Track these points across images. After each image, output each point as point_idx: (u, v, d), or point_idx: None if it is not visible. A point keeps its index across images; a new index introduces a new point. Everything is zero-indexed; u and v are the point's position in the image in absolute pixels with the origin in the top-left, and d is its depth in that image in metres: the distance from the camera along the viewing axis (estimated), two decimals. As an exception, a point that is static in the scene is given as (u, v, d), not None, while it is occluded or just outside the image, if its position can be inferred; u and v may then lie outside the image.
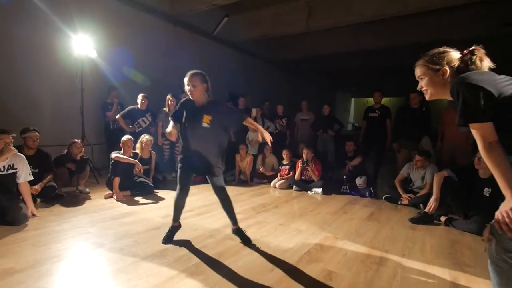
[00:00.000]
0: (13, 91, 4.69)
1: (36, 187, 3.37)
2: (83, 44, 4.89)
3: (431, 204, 3.17)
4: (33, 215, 3.04)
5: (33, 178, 3.20)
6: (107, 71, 5.72)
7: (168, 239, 2.50)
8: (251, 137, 5.94)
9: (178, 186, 2.48)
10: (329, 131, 6.07)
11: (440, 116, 4.73)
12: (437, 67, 1.34)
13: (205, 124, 2.31)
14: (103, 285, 1.81)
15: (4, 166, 2.92)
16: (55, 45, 5.06)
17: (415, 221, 3.24)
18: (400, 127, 4.80)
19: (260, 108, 6.54)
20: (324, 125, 6.13)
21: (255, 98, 8.43)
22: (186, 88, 2.36)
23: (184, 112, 2.42)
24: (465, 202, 3.14)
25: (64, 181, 4.07)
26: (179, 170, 2.46)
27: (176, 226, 2.60)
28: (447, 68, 1.33)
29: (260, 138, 2.51)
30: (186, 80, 2.36)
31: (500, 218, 1.21)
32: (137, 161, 4.17)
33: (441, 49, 1.38)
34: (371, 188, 4.54)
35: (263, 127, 6.26)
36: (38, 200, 3.55)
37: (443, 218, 3.23)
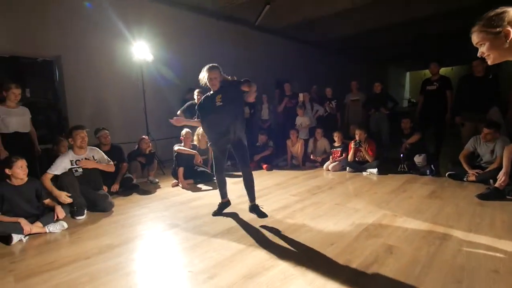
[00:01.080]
0: (87, 98, 5.41)
1: (115, 186, 3.94)
2: (141, 49, 5.39)
3: (501, 178, 2.95)
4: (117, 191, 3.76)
5: (111, 162, 3.71)
6: (161, 72, 6.23)
7: (218, 213, 2.99)
8: (299, 122, 6.00)
9: (214, 166, 2.96)
10: (382, 109, 5.82)
11: (510, 84, 4.25)
12: (498, 29, 1.27)
13: (218, 103, 2.71)
14: (183, 257, 2.11)
15: (84, 159, 3.40)
16: (118, 52, 5.67)
17: (483, 197, 3.05)
18: (464, 99, 4.42)
19: (307, 92, 6.52)
20: (376, 103, 5.89)
21: (303, 82, 8.39)
22: (208, 81, 2.75)
23: (205, 104, 2.85)
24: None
25: (137, 173, 4.63)
26: (213, 152, 2.97)
27: (225, 202, 3.06)
28: (509, 28, 1.25)
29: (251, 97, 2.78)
30: (206, 74, 2.76)
31: None
32: (196, 152, 4.56)
33: (499, 10, 1.29)
34: (432, 166, 4.31)
35: (312, 111, 6.31)
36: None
37: (517, 193, 2.99)
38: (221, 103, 2.70)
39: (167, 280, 1.81)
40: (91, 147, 3.59)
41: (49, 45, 5.00)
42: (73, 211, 3.10)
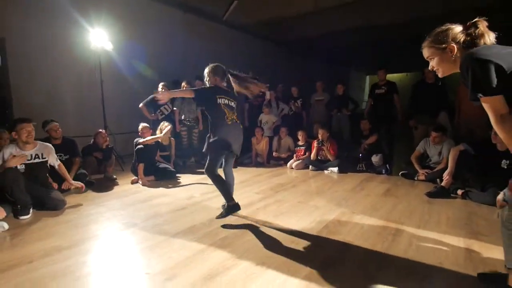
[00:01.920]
0: (36, 86, 4.96)
1: (67, 182, 3.57)
2: (99, 37, 5.04)
3: (445, 177, 3.21)
4: (74, 187, 3.48)
5: (59, 162, 3.42)
6: (122, 62, 5.90)
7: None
8: (264, 120, 6.04)
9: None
10: (344, 110, 6.07)
11: (456, 90, 4.65)
12: (443, 45, 1.39)
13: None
14: (140, 258, 2.01)
15: (31, 155, 3.10)
16: (73, 38, 5.25)
17: (431, 195, 3.30)
18: (416, 103, 4.76)
19: (273, 91, 6.57)
20: (338, 104, 6.12)
21: (269, 81, 8.42)
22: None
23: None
24: (482, 175, 3.16)
25: (92, 169, 4.34)
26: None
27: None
28: (453, 44, 1.36)
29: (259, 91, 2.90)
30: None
31: None
32: (159, 136, 4.36)
33: (444, 27, 1.41)
34: (387, 165, 4.58)
35: (277, 110, 6.37)
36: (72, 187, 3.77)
37: (460, 192, 3.27)
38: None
39: (122, 284, 1.71)
40: (42, 143, 3.28)
41: (-10, 25, 4.49)
42: (16, 210, 2.81)
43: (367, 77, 20.78)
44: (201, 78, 6.00)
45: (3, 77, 4.76)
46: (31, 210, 2.87)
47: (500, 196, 1.40)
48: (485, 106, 1.28)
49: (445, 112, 4.61)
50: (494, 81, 1.21)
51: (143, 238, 2.33)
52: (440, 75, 1.50)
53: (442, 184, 3.32)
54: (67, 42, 5.23)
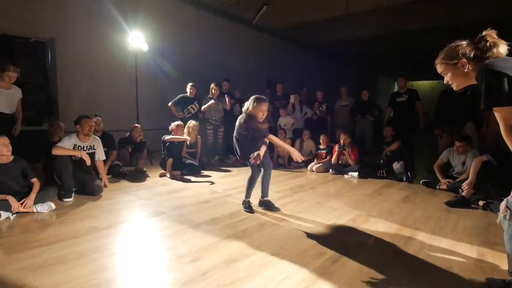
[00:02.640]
0: (80, 83, 5.41)
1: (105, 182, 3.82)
2: (136, 39, 5.42)
3: (465, 187, 3.21)
4: (106, 186, 3.69)
5: (104, 158, 3.78)
6: (155, 63, 6.28)
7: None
8: (282, 123, 6.17)
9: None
10: (368, 116, 6.07)
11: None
12: (455, 61, 1.49)
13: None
14: (167, 241, 2.23)
15: (87, 146, 3.51)
16: (114, 40, 5.69)
17: (451, 204, 3.29)
18: (443, 112, 4.70)
19: (298, 94, 6.70)
20: (362, 110, 6.14)
21: (293, 84, 8.57)
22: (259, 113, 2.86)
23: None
24: (504, 186, 3.11)
25: (125, 161, 4.69)
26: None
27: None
28: (464, 60, 1.46)
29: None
30: (258, 106, 2.85)
31: None
32: (186, 137, 4.66)
33: (453, 44, 1.51)
34: (409, 173, 4.56)
35: (301, 113, 6.48)
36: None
37: (481, 203, 3.23)
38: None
39: (152, 261, 1.93)
40: (95, 136, 3.68)
41: (43, 26, 4.98)
42: (61, 193, 3.16)
43: (396, 84, 20.24)
44: (228, 80, 6.27)
45: (51, 74, 5.26)
46: (73, 194, 3.21)
47: (503, 202, 1.48)
48: (497, 115, 1.36)
49: (472, 122, 4.52)
50: (506, 92, 1.30)
51: (169, 225, 2.57)
52: (455, 88, 1.60)
53: (463, 194, 3.31)
54: (108, 44, 5.67)
